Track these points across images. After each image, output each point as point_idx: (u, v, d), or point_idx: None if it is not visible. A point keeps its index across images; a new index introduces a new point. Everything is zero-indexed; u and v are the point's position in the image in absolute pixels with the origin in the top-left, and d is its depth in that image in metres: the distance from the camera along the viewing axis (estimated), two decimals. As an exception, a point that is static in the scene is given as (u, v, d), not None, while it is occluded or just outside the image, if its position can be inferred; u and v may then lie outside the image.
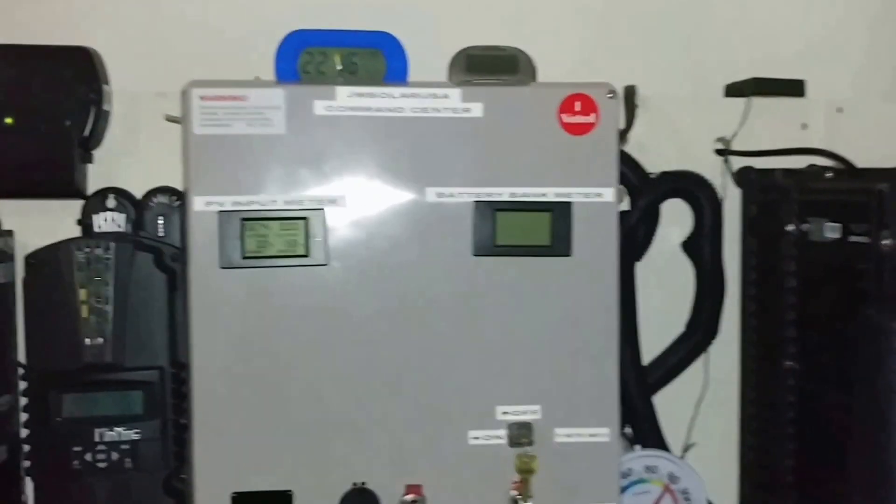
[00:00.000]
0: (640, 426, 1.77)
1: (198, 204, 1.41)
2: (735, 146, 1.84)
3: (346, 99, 1.43)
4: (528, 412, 1.49)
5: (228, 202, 1.41)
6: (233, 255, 1.41)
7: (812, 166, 1.79)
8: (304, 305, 1.43)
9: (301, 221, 1.43)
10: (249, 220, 1.41)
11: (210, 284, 1.41)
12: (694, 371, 1.84)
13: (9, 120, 1.57)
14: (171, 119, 1.50)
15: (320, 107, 1.43)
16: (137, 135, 1.71)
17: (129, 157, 1.71)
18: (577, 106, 1.48)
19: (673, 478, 1.76)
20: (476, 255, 1.47)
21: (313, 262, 1.43)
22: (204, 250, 1.41)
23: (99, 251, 1.55)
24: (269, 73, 1.50)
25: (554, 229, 1.48)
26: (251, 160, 1.41)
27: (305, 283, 1.43)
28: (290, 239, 1.43)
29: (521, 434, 1.48)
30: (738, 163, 1.83)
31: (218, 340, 1.42)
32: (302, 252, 1.43)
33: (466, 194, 1.46)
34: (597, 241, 1.49)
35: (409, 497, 1.46)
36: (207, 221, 1.41)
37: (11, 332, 1.62)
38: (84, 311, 1.54)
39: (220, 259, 1.41)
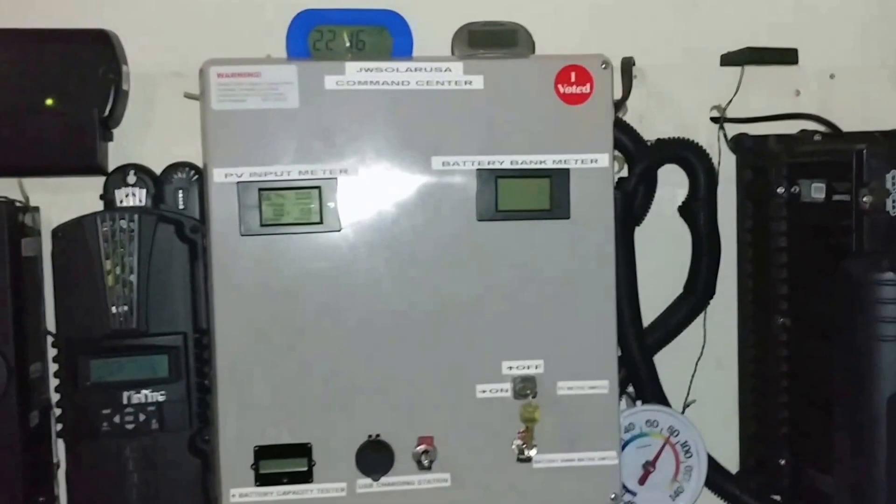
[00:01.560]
0: (641, 384, 1.82)
1: (217, 176, 1.48)
2: (730, 114, 1.89)
3: (355, 74, 1.50)
4: (531, 366, 1.57)
5: (246, 173, 1.49)
6: (251, 223, 1.49)
7: (803, 131, 1.85)
8: (318, 269, 1.51)
9: (315, 190, 1.50)
10: (266, 189, 1.49)
11: (230, 251, 1.49)
12: (692, 330, 1.89)
13: (49, 101, 1.63)
14: (189, 96, 1.58)
15: (331, 81, 1.50)
16: (153, 113, 1.78)
17: (145, 135, 1.77)
18: (573, 77, 1.55)
19: (673, 431, 1.82)
20: (480, 220, 1.54)
21: (327, 229, 1.51)
22: (224, 219, 1.49)
23: (123, 223, 1.61)
24: (279, 51, 1.58)
25: (553, 194, 1.55)
26: (267, 133, 1.49)
27: (320, 248, 1.51)
28: (304, 207, 1.50)
29: (525, 387, 1.56)
30: (733, 130, 1.89)
31: (238, 303, 1.50)
32: (316, 219, 1.51)
33: (469, 162, 1.54)
34: (594, 204, 1.57)
35: (421, 448, 1.54)
36: (227, 192, 1.49)
37: (40, 303, 1.69)
38: (110, 281, 1.60)
39: (239, 227, 1.49)
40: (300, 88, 1.49)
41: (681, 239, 1.87)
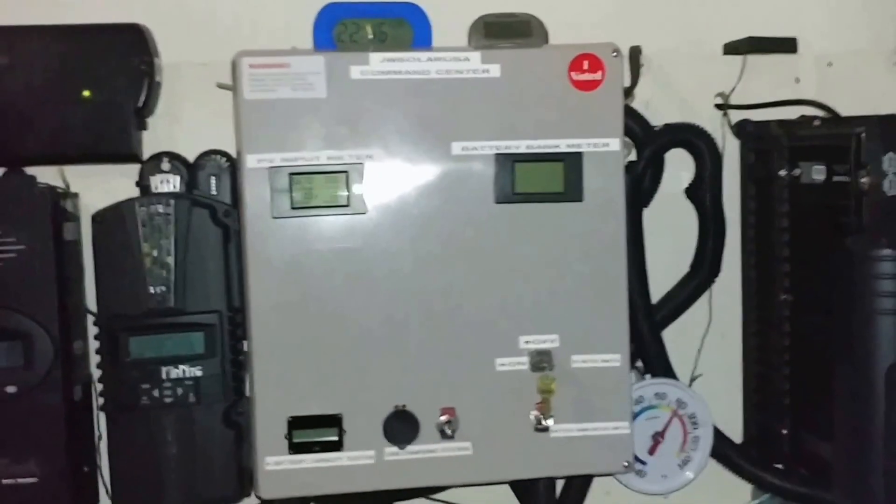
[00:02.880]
0: (650, 358, 1.90)
1: (250, 161, 1.56)
2: (733, 101, 1.96)
3: (379, 64, 1.58)
4: (547, 341, 1.65)
5: (277, 159, 1.57)
6: (282, 206, 1.57)
7: (803, 117, 1.92)
8: (345, 250, 1.59)
9: (342, 175, 1.58)
10: (296, 174, 1.57)
11: (263, 233, 1.57)
12: (699, 307, 1.97)
13: (87, 93, 1.71)
14: (222, 86, 1.66)
15: (356, 71, 1.58)
16: (183, 102, 1.86)
17: (176, 124, 1.85)
18: (586, 65, 1.63)
19: (681, 403, 1.89)
20: (497, 203, 1.62)
21: (353, 211, 1.59)
22: (257, 203, 1.57)
23: (160, 208, 1.69)
24: (302, 43, 1.65)
25: (567, 177, 1.63)
26: (296, 121, 1.57)
27: (346, 229, 1.59)
28: (332, 191, 1.58)
29: (541, 360, 1.63)
30: (736, 116, 1.96)
31: (272, 282, 1.58)
32: (343, 202, 1.58)
33: (488, 147, 1.61)
34: (605, 186, 1.64)
35: (444, 418, 1.62)
36: (259, 177, 1.57)
37: (81, 284, 1.78)
38: (148, 262, 1.69)
39: (271, 210, 1.57)
40: (327, 78, 1.57)
41: (687, 220, 1.94)
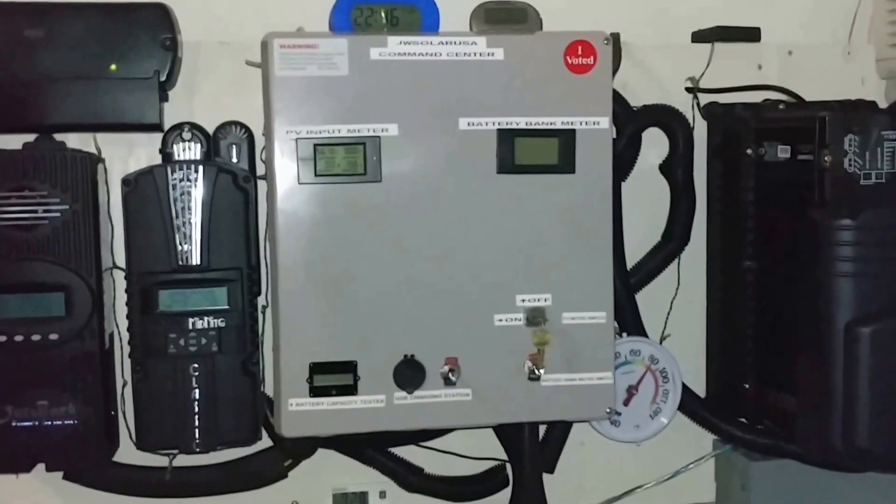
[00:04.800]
0: (625, 319, 2.05)
1: (279, 133, 1.71)
2: (702, 85, 2.12)
3: (396, 46, 1.74)
4: (540, 299, 1.81)
5: (304, 131, 1.72)
6: (307, 173, 1.72)
7: (766, 101, 2.08)
8: (363, 213, 1.74)
9: (360, 146, 1.73)
10: (320, 145, 1.72)
11: (291, 197, 1.72)
12: (669, 273, 2.12)
13: (114, 66, 1.84)
14: (251, 64, 1.80)
15: (375, 53, 1.73)
16: (201, 77, 1.98)
17: (195, 97, 1.98)
18: (580, 50, 1.79)
19: (654, 360, 2.07)
20: (499, 173, 1.78)
21: (370, 179, 1.74)
22: (285, 170, 1.72)
23: (188, 173, 1.83)
24: (310, 25, 1.79)
25: (561, 151, 1.79)
26: (321, 97, 1.72)
27: (364, 195, 1.74)
28: (351, 160, 1.73)
29: (535, 316, 1.80)
30: (704, 99, 2.12)
31: (297, 241, 1.73)
32: (361, 171, 1.73)
33: (491, 123, 1.77)
34: (595, 160, 1.80)
35: (448, 367, 1.78)
36: (287, 147, 1.72)
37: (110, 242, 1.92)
38: (176, 223, 1.83)
39: (298, 177, 1.72)
40: (349, 58, 1.72)
41: (660, 192, 2.10)
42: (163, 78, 1.87)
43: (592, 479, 2.20)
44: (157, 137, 1.91)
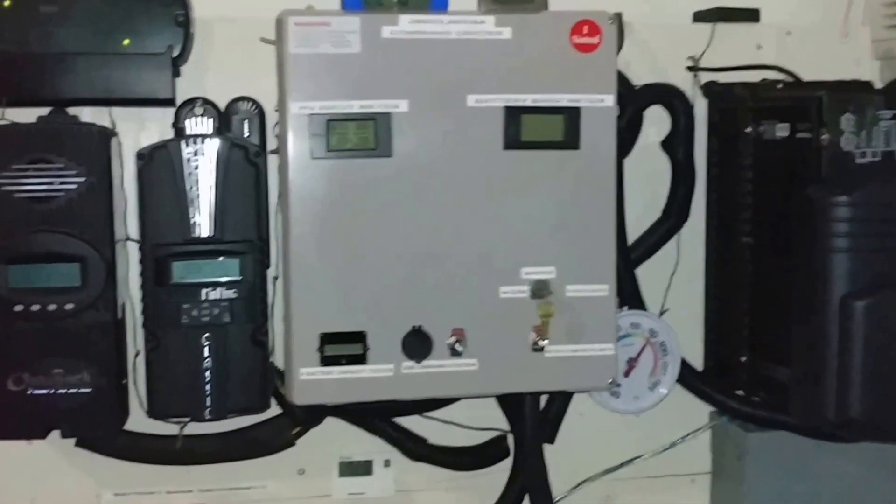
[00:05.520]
0: (625, 293, 2.10)
1: (293, 108, 1.75)
2: (702, 64, 2.16)
3: (407, 25, 1.77)
4: (545, 272, 1.85)
5: (317, 107, 1.75)
6: (320, 148, 1.76)
7: (764, 80, 2.12)
8: (373, 187, 1.78)
9: (371, 122, 1.77)
10: (332, 121, 1.76)
11: (303, 171, 1.76)
12: (668, 249, 2.17)
13: (127, 41, 1.87)
14: (265, 41, 1.83)
15: (387, 31, 1.76)
16: (213, 53, 2.02)
17: (206, 73, 2.02)
18: (585, 30, 1.82)
19: (653, 333, 2.12)
20: (506, 149, 1.82)
21: (380, 154, 1.77)
22: (298, 145, 1.76)
23: (201, 147, 1.87)
24: (323, 3, 1.82)
25: (566, 128, 1.83)
26: (334, 73, 1.75)
27: (374, 170, 1.78)
28: (363, 136, 1.77)
29: (540, 288, 1.84)
30: (704, 78, 2.16)
31: (309, 214, 1.77)
32: (372, 146, 1.77)
33: (498, 100, 1.81)
34: (599, 137, 1.85)
35: (454, 337, 1.82)
36: (301, 122, 1.75)
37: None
38: (190, 195, 1.86)
39: (311, 151, 1.76)
40: (362, 36, 1.75)
41: (661, 169, 2.15)
42: (175, 53, 1.90)
43: (591, 449, 2.25)
44: (170, 112, 1.94)
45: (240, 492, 2.11)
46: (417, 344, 1.81)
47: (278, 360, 1.95)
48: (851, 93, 1.88)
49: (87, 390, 1.85)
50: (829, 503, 2.15)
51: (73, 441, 1.98)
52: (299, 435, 2.04)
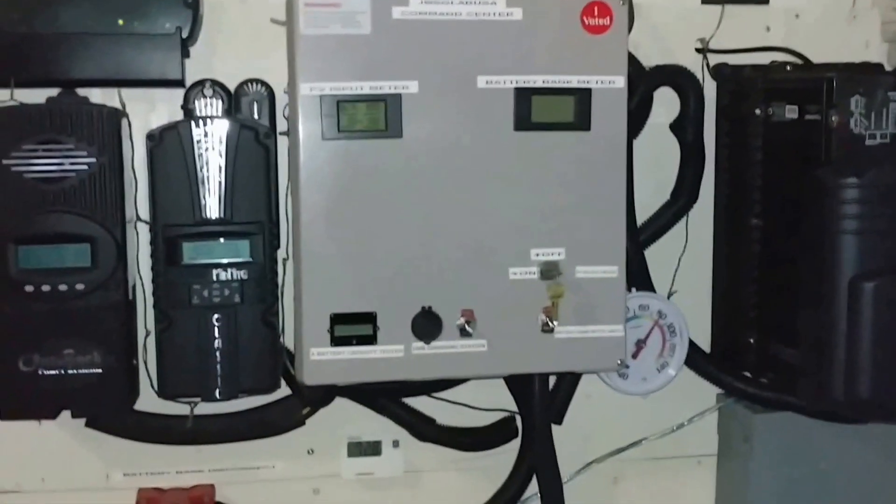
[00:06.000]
0: (634, 274, 2.09)
1: (303, 89, 1.75)
2: (711, 46, 2.16)
3: (417, 5, 1.77)
4: (555, 253, 1.85)
5: (327, 88, 1.75)
6: (331, 129, 1.76)
7: (774, 62, 2.13)
8: (383, 168, 1.78)
9: (382, 103, 1.77)
10: (343, 102, 1.76)
11: (314, 152, 1.76)
12: (677, 231, 2.17)
13: (136, 23, 1.87)
14: (275, 21, 1.84)
15: (397, 12, 1.76)
16: (223, 35, 2.02)
17: (215, 54, 2.01)
18: (596, 11, 1.82)
19: (661, 314, 2.12)
20: (516, 130, 1.82)
21: (391, 135, 1.78)
22: (309, 126, 1.76)
23: (211, 128, 1.87)
24: None
25: (577, 109, 1.83)
26: (344, 54, 1.75)
27: (384, 151, 1.78)
28: (373, 117, 1.77)
29: (549, 269, 1.84)
30: (714, 60, 2.16)
31: (320, 195, 1.77)
32: (382, 127, 1.77)
33: (509, 81, 1.80)
34: (610, 118, 1.85)
35: (464, 319, 1.82)
36: (311, 103, 1.75)
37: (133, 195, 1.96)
38: (200, 177, 1.87)
39: (321, 132, 1.76)
40: (372, 17, 1.75)
41: (670, 151, 2.15)
42: (185, 34, 1.90)
43: (599, 430, 2.26)
44: (179, 93, 1.95)
45: (249, 471, 2.13)
46: (427, 325, 1.81)
47: (288, 340, 1.95)
48: (861, 74, 1.87)
49: (98, 371, 1.86)
50: (836, 484, 2.16)
51: (83, 421, 1.99)
52: (309, 415, 2.05)
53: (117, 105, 1.93)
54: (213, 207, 1.88)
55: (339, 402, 2.05)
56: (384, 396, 2.07)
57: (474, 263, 1.83)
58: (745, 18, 2.18)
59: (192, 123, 1.87)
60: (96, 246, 1.83)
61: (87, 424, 2.00)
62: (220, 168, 1.87)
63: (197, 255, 1.88)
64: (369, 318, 1.80)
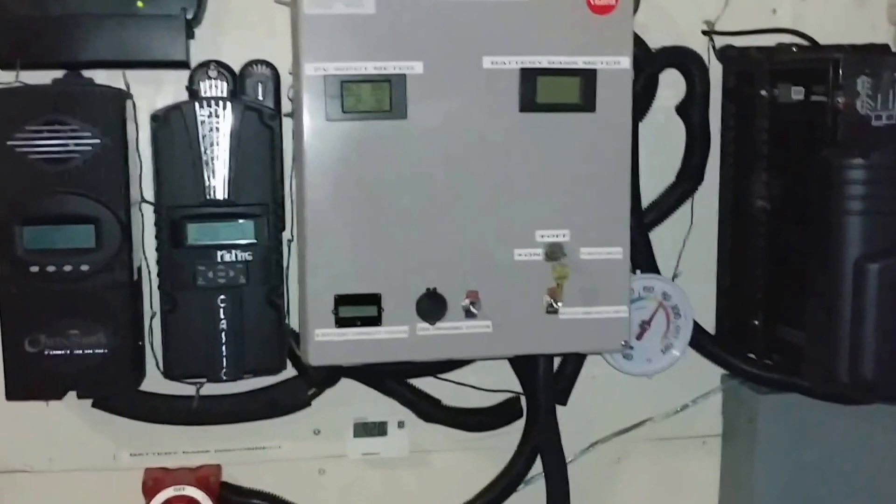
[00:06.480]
0: (639, 256, 2.10)
1: (308, 70, 1.75)
2: (717, 28, 2.15)
3: (424, -15, 1.76)
4: (559, 235, 1.85)
5: (332, 68, 1.75)
6: (335, 110, 1.75)
7: (780, 44, 2.13)
8: (388, 149, 1.78)
9: (386, 83, 1.76)
10: (347, 82, 1.75)
11: (318, 133, 1.76)
12: (682, 212, 2.17)
13: (140, 3, 1.87)
14: (280, 2, 1.83)
15: (402, -10, 1.76)
16: (227, 16, 2.02)
17: (220, 35, 2.01)
18: (602, -9, 1.82)
19: (666, 296, 2.12)
20: (521, 112, 1.81)
21: (395, 116, 1.77)
22: (313, 106, 1.75)
23: (216, 109, 1.87)
24: None
25: (582, 90, 1.82)
26: (349, 34, 1.75)
27: (389, 131, 1.77)
28: (378, 97, 1.76)
29: (554, 251, 1.84)
30: (720, 42, 2.15)
31: (324, 176, 1.76)
32: (387, 108, 1.77)
33: (514, 62, 1.80)
34: (615, 100, 1.84)
35: (469, 300, 1.82)
36: (315, 83, 1.75)
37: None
38: (205, 158, 1.87)
39: (326, 113, 1.76)
40: (377, -4, 1.75)
41: (675, 133, 2.15)
42: (189, 16, 1.90)
43: (603, 411, 2.26)
44: (184, 75, 1.95)
45: (256, 452, 2.13)
46: (432, 306, 1.81)
47: (293, 321, 1.95)
48: (868, 55, 1.87)
49: (103, 351, 1.86)
50: (841, 465, 2.16)
51: (90, 402, 2.00)
52: (315, 396, 2.05)
53: (122, 87, 1.93)
54: (217, 189, 1.88)
55: (345, 383, 2.06)
56: (389, 378, 2.07)
57: (479, 245, 1.82)
58: (752, 0, 2.18)
59: (197, 105, 1.86)
60: (101, 227, 1.83)
61: (95, 405, 2.01)
62: (224, 149, 1.87)
63: (201, 237, 1.88)
64: (374, 299, 1.80)
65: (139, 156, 1.94)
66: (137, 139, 1.94)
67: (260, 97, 1.94)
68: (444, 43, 1.78)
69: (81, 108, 1.82)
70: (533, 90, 1.80)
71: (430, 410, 2.14)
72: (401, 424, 2.17)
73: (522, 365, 2.09)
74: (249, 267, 1.90)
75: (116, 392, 1.95)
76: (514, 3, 1.79)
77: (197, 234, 1.88)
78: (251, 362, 1.94)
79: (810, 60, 1.94)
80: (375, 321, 1.81)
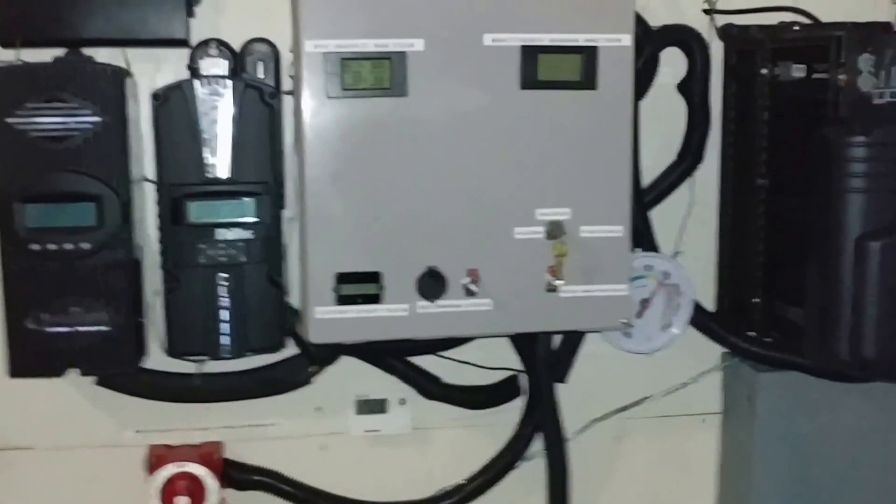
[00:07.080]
0: (639, 234, 2.09)
1: (308, 47, 1.74)
2: (719, 6, 2.14)
3: (424, -39, 1.75)
4: (560, 213, 1.85)
5: (332, 45, 1.74)
6: (335, 87, 1.75)
7: (781, 23, 2.11)
8: (388, 127, 1.78)
9: (387, 61, 1.76)
10: (347, 59, 1.75)
11: (318, 111, 1.75)
12: (682, 191, 2.17)
13: (140, -18, 1.88)
14: (279, -21, 1.84)
15: (402, -32, 1.75)
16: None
17: (221, 14, 2.01)
18: (603, -32, 1.81)
19: (666, 275, 2.12)
20: (522, 89, 1.81)
21: (396, 94, 1.77)
22: (313, 84, 1.75)
23: (217, 88, 1.87)
24: None
25: (583, 68, 1.82)
26: (349, 11, 1.74)
27: (389, 109, 1.77)
28: (378, 75, 1.76)
29: (555, 229, 1.84)
30: (721, 20, 2.15)
31: (325, 154, 1.76)
32: (387, 85, 1.76)
33: (515, 39, 1.80)
34: (616, 77, 1.84)
35: (469, 278, 1.82)
36: (315, 61, 1.75)
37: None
38: (205, 136, 1.87)
39: (326, 91, 1.76)
40: (377, -27, 1.74)
41: (677, 111, 2.14)
42: (191, -6, 1.89)
43: (603, 389, 2.27)
44: (184, 53, 1.95)
45: (258, 429, 2.14)
46: (432, 284, 1.81)
47: (294, 299, 1.95)
48: (870, 32, 1.86)
49: (105, 328, 1.87)
50: (840, 443, 2.17)
51: (94, 380, 2.01)
52: (316, 373, 2.06)
53: (122, 65, 1.92)
54: (218, 167, 1.88)
55: (347, 361, 2.07)
56: (390, 355, 2.07)
57: (479, 223, 1.82)
58: (754, -22, 2.16)
59: (198, 83, 1.87)
60: (101, 205, 1.83)
61: (98, 383, 2.02)
62: (225, 127, 1.87)
63: (202, 215, 1.88)
64: (374, 277, 1.80)
65: (140, 134, 1.94)
66: (138, 117, 1.94)
67: (260, 75, 1.95)
68: (445, 20, 1.77)
69: (81, 85, 1.82)
70: (534, 67, 1.80)
71: (431, 388, 2.15)
72: (402, 402, 2.18)
73: (522, 343, 2.09)
74: (250, 245, 1.91)
75: (118, 369, 1.96)
76: (515, -21, 1.78)
77: (198, 212, 1.89)
78: (253, 340, 1.95)
79: (812, 38, 1.94)
80: (376, 299, 1.81)
